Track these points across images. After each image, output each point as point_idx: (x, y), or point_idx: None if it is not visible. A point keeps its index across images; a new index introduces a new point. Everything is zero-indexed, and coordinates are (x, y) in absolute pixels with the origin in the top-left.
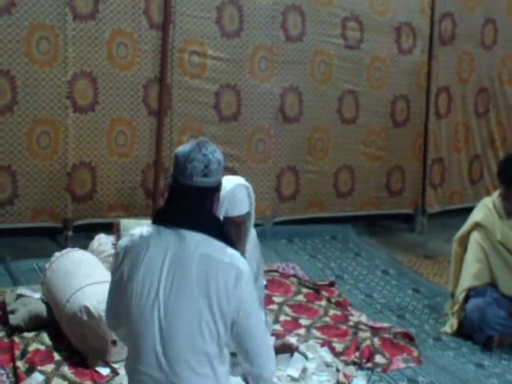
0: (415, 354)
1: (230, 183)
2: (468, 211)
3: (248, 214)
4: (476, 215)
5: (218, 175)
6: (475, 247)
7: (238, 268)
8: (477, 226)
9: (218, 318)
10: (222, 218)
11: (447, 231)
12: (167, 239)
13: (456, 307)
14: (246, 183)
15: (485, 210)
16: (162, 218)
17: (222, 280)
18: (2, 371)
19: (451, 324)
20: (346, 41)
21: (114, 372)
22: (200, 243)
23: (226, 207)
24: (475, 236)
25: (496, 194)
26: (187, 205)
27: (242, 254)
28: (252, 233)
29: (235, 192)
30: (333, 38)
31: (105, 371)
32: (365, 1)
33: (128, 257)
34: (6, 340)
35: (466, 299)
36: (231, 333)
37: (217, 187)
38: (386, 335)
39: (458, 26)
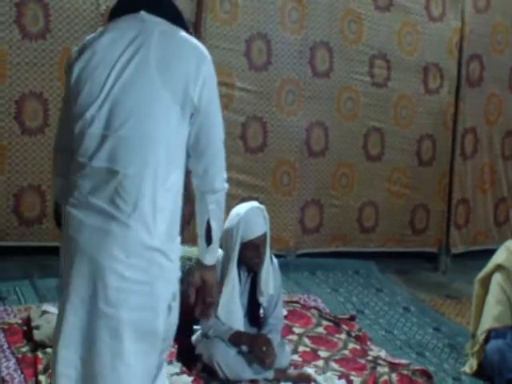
0: None
1: (242, 208)
2: (492, 253)
3: (265, 234)
4: (499, 257)
5: None
6: (497, 289)
7: (200, 51)
8: (499, 267)
9: (175, 100)
10: (238, 243)
11: (471, 272)
12: (125, 26)
13: (476, 348)
14: (259, 205)
15: (507, 252)
16: (118, 9)
17: (184, 61)
18: None
19: (471, 364)
20: (373, 78)
21: None
22: (161, 24)
23: (242, 232)
24: (497, 278)
25: None
26: None
27: (260, 271)
28: (274, 261)
29: (249, 215)
30: (360, 75)
31: None
32: (393, 40)
33: (80, 59)
34: (29, 355)
35: (487, 340)
36: (190, 124)
37: None
38: (405, 372)
39: (486, 68)
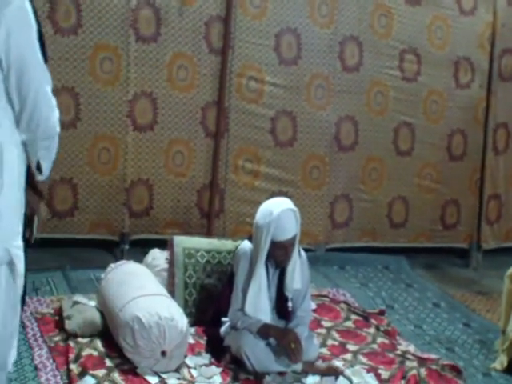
0: None
1: (276, 208)
2: None
3: (295, 237)
4: None
5: None
6: None
7: None
8: None
9: None
10: (268, 243)
11: (503, 268)
12: None
13: (506, 344)
14: (293, 207)
15: None
16: None
17: None
18: (57, 373)
19: (501, 361)
20: (403, 73)
21: (162, 381)
22: None
23: (273, 232)
24: None
25: None
26: None
27: (286, 267)
28: (302, 254)
29: (282, 217)
30: (390, 69)
31: (153, 380)
32: (423, 34)
33: None
34: (61, 344)
35: None
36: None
37: None
38: (434, 366)
39: None
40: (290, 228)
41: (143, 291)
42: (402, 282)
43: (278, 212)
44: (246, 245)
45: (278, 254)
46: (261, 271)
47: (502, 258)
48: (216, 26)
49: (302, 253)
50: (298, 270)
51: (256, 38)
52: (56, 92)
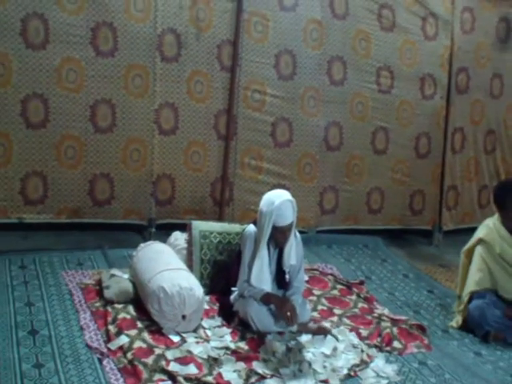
0: (426, 342)
1: (277, 198)
2: (476, 230)
3: (292, 223)
4: (480, 232)
5: None
6: (478, 259)
7: None
8: (480, 241)
9: None
10: (270, 227)
11: (459, 246)
12: None
13: (461, 307)
14: (291, 198)
15: (487, 228)
16: None
17: None
18: (98, 332)
19: (457, 320)
20: (379, 86)
21: (183, 340)
22: None
23: (274, 219)
24: (479, 249)
25: (496, 217)
26: None
27: (284, 247)
28: (297, 235)
29: (281, 206)
30: (369, 83)
31: (175, 338)
32: (395, 54)
33: None
34: (101, 309)
35: (470, 301)
36: None
37: None
38: (403, 326)
39: (472, 78)
40: (289, 215)
41: (167, 266)
42: (378, 258)
43: (278, 202)
44: (251, 228)
45: (278, 237)
46: (263, 250)
47: (459, 237)
48: (226, 48)
49: (298, 234)
50: (294, 249)
51: (259, 57)
52: (97, 103)
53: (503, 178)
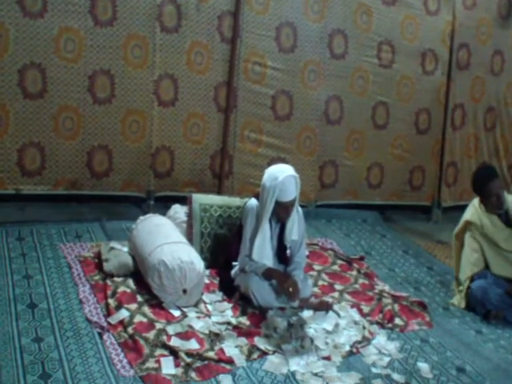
0: (427, 319)
1: (281, 174)
2: None
3: (295, 199)
4: (467, 213)
5: None
6: (471, 240)
7: None
8: (467, 223)
9: None
10: (273, 202)
11: (458, 222)
12: None
13: (462, 288)
14: (294, 173)
15: (473, 208)
16: None
17: None
18: (98, 305)
19: (458, 300)
20: (380, 61)
21: (183, 314)
22: None
23: (277, 194)
24: (468, 231)
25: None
26: None
27: (286, 222)
28: (299, 210)
29: (285, 182)
30: (370, 58)
31: (176, 313)
32: (397, 29)
33: None
34: (100, 282)
35: (471, 281)
36: None
37: None
38: (404, 303)
39: (473, 55)
40: (292, 191)
41: (167, 239)
42: (378, 233)
43: (282, 177)
44: (253, 202)
45: (281, 212)
46: (265, 225)
47: (458, 214)
48: (227, 19)
49: (300, 210)
50: (295, 224)
51: (260, 29)
52: (95, 73)
53: (502, 155)
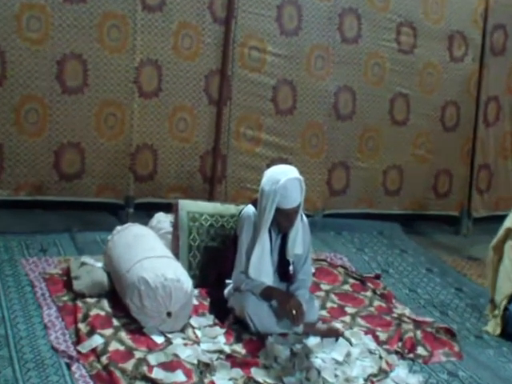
0: (456, 349)
1: (283, 176)
2: None
3: (299, 205)
4: (507, 221)
5: None
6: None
7: None
8: (510, 231)
9: None
10: (273, 209)
11: (492, 236)
12: None
13: (497, 312)
14: (299, 176)
15: None
16: None
17: None
18: (66, 331)
19: (492, 326)
20: (399, 45)
21: (168, 341)
22: None
23: (278, 200)
24: (510, 242)
25: None
26: None
27: (289, 233)
28: (304, 219)
29: (288, 186)
30: (387, 41)
31: (159, 339)
32: (419, 8)
33: None
34: (69, 303)
35: (509, 301)
36: None
37: None
38: (429, 329)
39: (510, 38)
40: (295, 197)
41: (149, 253)
42: (397, 248)
43: (284, 180)
44: (250, 209)
45: (282, 221)
46: (264, 236)
47: (492, 225)
48: None
49: (305, 219)
50: (299, 235)
51: (258, 8)
52: (65, 58)
53: None
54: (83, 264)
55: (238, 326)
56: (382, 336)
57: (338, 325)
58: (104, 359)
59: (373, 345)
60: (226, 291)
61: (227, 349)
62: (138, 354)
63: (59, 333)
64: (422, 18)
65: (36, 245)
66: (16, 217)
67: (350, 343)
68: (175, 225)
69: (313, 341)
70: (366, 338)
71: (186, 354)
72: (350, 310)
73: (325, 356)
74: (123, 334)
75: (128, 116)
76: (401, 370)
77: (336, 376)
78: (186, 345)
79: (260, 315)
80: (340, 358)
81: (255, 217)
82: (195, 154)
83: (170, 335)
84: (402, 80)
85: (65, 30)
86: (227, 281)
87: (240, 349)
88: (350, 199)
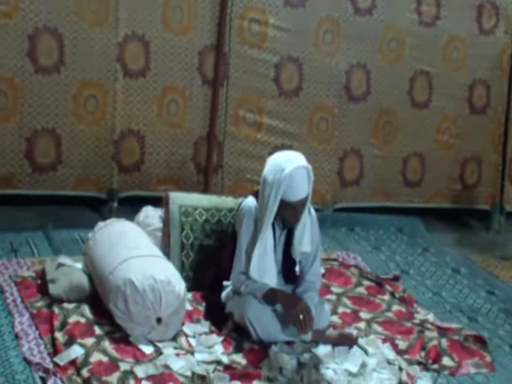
0: (488, 359)
1: (289, 164)
2: None
3: (306, 197)
4: None
5: None
6: None
7: None
8: None
9: None
10: (278, 201)
11: None
12: None
13: None
14: (306, 164)
15: None
16: None
17: None
18: (41, 341)
19: None
20: (420, 17)
21: (158, 351)
22: None
23: (283, 191)
24: None
25: None
26: None
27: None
28: (312, 213)
29: (294, 176)
30: (406, 12)
31: (148, 349)
32: None
33: None
34: (45, 310)
35: None
36: None
37: None
38: (456, 337)
39: None
40: (303, 188)
41: (136, 252)
42: (418, 246)
43: (290, 169)
44: (250, 201)
45: (287, 215)
46: (267, 232)
47: None
48: None
49: (312, 211)
50: (307, 231)
51: None
52: (37, 32)
53: None
54: (60, 265)
55: (237, 334)
56: (402, 344)
57: (351, 331)
58: (85, 372)
59: (392, 354)
60: (223, 294)
61: (225, 359)
62: (123, 366)
63: (33, 343)
64: None
65: (5, 244)
66: None
67: (366, 352)
68: (166, 220)
69: (323, 350)
70: (384, 347)
71: (179, 365)
72: (365, 315)
73: (337, 367)
74: (106, 344)
75: (110, 98)
76: (424, 383)
77: None
78: (178, 355)
79: (262, 321)
80: (354, 370)
81: (256, 210)
82: (188, 141)
83: (160, 344)
84: (423, 56)
85: (37, 0)
86: (225, 283)
87: (240, 359)
88: (363, 191)
